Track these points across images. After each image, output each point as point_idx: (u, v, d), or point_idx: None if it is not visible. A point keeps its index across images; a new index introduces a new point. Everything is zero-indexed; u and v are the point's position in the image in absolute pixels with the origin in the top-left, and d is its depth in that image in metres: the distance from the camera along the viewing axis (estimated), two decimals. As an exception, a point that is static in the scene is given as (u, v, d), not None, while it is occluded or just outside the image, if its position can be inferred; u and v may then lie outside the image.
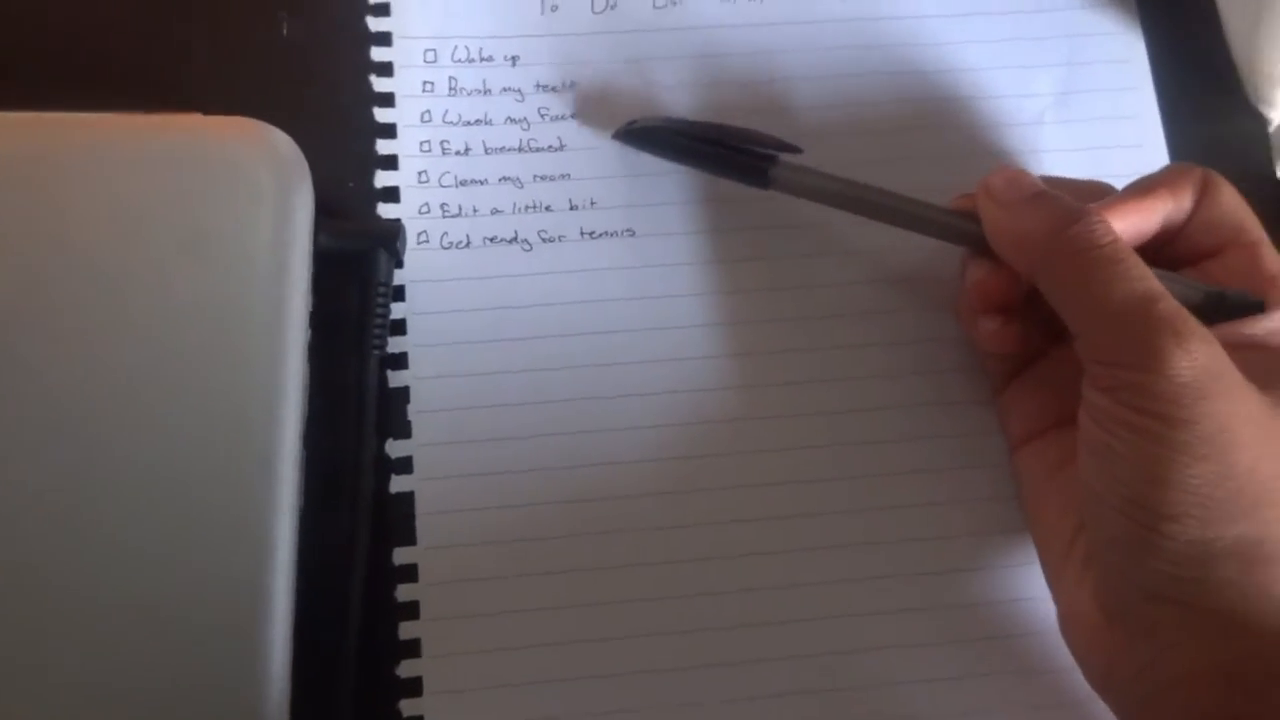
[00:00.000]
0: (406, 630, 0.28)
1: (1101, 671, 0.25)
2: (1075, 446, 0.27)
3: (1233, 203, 0.27)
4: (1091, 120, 0.33)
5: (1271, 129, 0.33)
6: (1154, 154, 0.32)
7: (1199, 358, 0.23)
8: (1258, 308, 0.26)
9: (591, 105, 0.32)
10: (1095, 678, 0.26)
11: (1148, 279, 0.24)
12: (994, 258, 0.27)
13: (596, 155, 0.32)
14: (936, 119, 0.32)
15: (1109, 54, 0.33)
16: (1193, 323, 0.23)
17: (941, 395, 0.30)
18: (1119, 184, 0.28)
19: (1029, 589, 0.29)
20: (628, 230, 0.31)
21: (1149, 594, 0.23)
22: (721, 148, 0.30)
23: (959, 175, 0.32)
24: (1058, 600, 0.27)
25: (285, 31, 0.32)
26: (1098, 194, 0.28)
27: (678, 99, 0.32)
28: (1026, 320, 0.28)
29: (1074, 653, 0.26)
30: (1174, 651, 0.23)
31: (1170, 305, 0.23)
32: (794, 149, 0.29)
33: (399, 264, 0.30)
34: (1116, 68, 0.33)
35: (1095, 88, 0.33)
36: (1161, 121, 0.33)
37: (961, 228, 0.28)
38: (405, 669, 0.28)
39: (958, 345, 0.31)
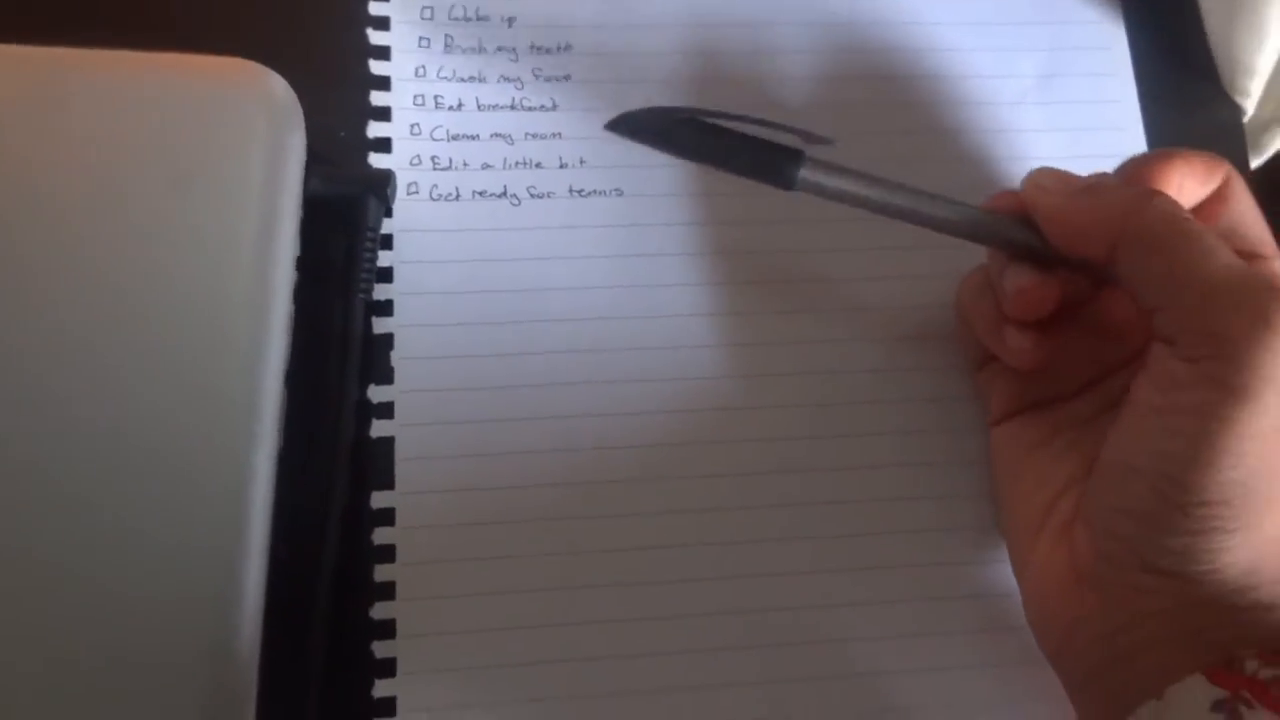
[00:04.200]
0: (382, 573, 0.28)
1: (1060, 635, 0.26)
2: (1055, 425, 0.28)
3: (1249, 211, 0.27)
4: (1072, 103, 0.33)
5: (1246, 119, 0.34)
6: (1132, 137, 0.33)
7: None
8: None
9: (586, 68, 0.32)
10: (1051, 641, 0.26)
11: (1234, 254, 0.24)
12: (1038, 263, 0.27)
13: (588, 116, 0.32)
14: (920, 95, 0.33)
15: (1091, 40, 0.34)
16: None
17: (928, 391, 0.31)
18: (1100, 165, 0.28)
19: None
20: (616, 190, 0.31)
21: (1148, 565, 0.24)
22: (735, 140, 0.26)
23: (940, 149, 0.33)
24: (1022, 569, 0.27)
25: (284, -18, 0.32)
26: None
27: (672, 65, 0.33)
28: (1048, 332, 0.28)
29: (1031, 619, 0.27)
30: (1151, 619, 0.23)
31: (1268, 277, 0.23)
32: (824, 140, 0.26)
33: (388, 212, 0.30)
34: (1098, 54, 0.34)
35: (1077, 72, 0.34)
36: (1140, 107, 0.34)
37: (1010, 230, 0.27)
38: (379, 611, 0.28)
39: (945, 342, 0.31)
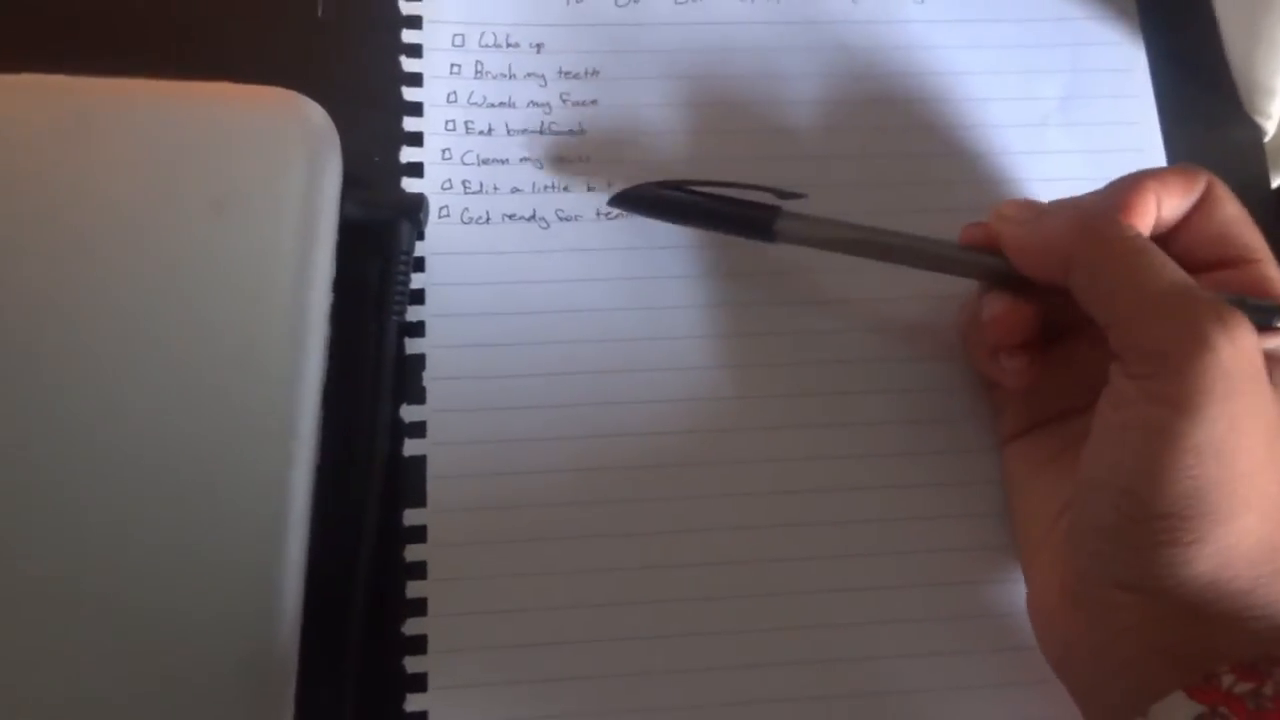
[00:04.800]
0: (414, 589, 0.29)
1: (1059, 653, 0.26)
2: (1064, 442, 0.28)
3: (1235, 217, 0.27)
4: (1093, 124, 0.34)
5: (1267, 139, 0.34)
6: (1153, 158, 0.34)
7: (1243, 345, 0.23)
8: (1276, 312, 0.26)
9: (613, 93, 0.33)
10: (1053, 658, 0.26)
11: (1180, 270, 0.24)
12: (1012, 289, 0.27)
13: (615, 140, 0.33)
14: (942, 118, 0.33)
15: (1112, 62, 0.34)
16: (1236, 310, 0.23)
17: (938, 412, 0.31)
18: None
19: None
20: (643, 212, 0.32)
21: (1119, 582, 0.24)
22: (721, 203, 0.30)
23: (963, 171, 0.33)
24: (1028, 583, 0.28)
25: (320, 12, 0.33)
26: None
27: (695, 90, 0.33)
28: (1041, 353, 0.28)
29: (1036, 633, 0.27)
30: (1128, 635, 0.24)
31: (1211, 293, 0.23)
32: (796, 195, 0.29)
33: (420, 235, 0.31)
34: (1118, 76, 0.34)
35: (1098, 94, 0.34)
36: (1161, 128, 0.34)
37: (978, 261, 0.28)
38: (411, 627, 0.29)
39: (951, 347, 0.32)
